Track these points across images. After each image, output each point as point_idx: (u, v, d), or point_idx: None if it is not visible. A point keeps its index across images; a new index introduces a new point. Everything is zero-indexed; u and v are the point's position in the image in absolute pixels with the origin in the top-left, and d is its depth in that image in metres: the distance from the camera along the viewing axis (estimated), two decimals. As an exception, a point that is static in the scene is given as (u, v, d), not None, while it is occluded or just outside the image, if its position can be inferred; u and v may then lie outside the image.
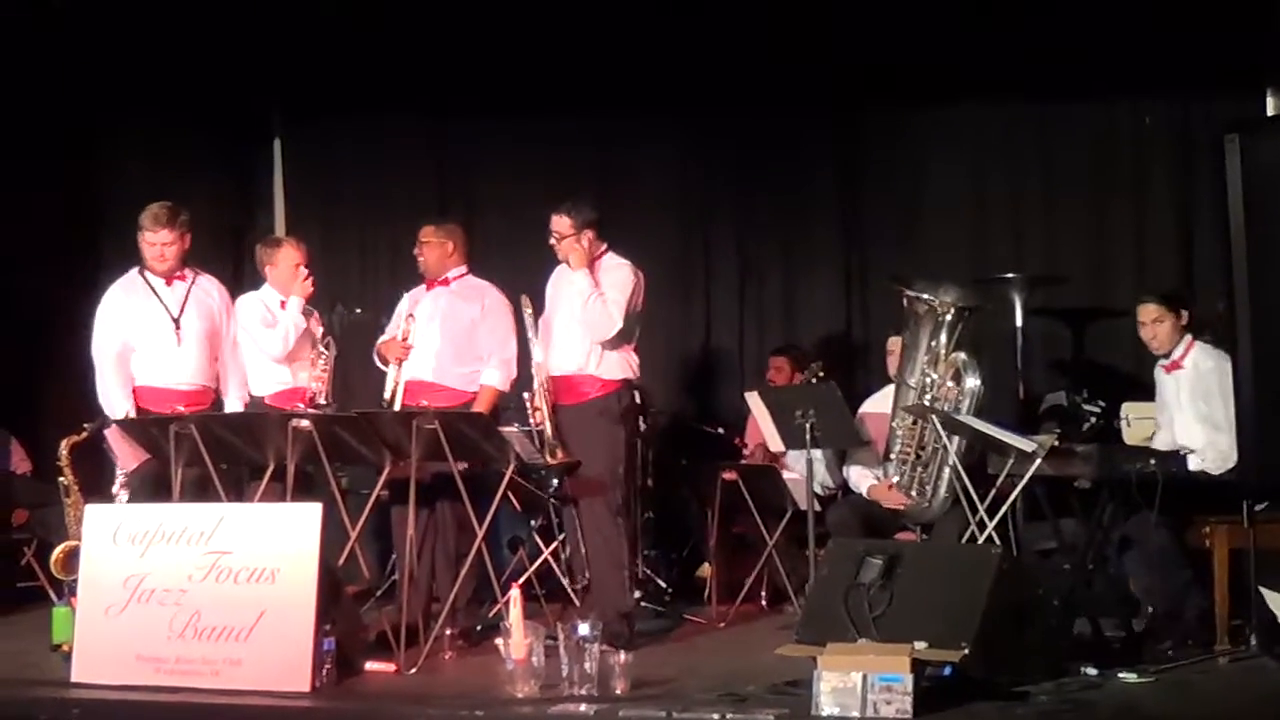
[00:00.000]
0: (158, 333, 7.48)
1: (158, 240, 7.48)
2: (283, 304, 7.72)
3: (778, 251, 10.22)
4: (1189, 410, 7.28)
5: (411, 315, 7.60)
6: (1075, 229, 9.66)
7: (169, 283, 7.55)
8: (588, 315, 7.22)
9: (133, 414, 7.38)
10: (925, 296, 7.53)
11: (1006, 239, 9.80)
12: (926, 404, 7.37)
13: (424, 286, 7.72)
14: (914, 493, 7.46)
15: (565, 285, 7.37)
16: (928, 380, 7.47)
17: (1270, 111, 8.90)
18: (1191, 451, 7.09)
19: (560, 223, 7.35)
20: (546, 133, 10.01)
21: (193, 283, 7.63)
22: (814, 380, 8.57)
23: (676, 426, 9.59)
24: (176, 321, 7.49)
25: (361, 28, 9.25)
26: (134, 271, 7.60)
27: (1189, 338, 7.35)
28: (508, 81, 9.70)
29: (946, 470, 7.30)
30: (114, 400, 7.42)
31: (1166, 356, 7.39)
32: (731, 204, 10.27)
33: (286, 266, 7.77)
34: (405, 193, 10.34)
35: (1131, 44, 8.83)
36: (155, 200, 7.61)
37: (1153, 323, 7.48)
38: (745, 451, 9.10)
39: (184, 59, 9.31)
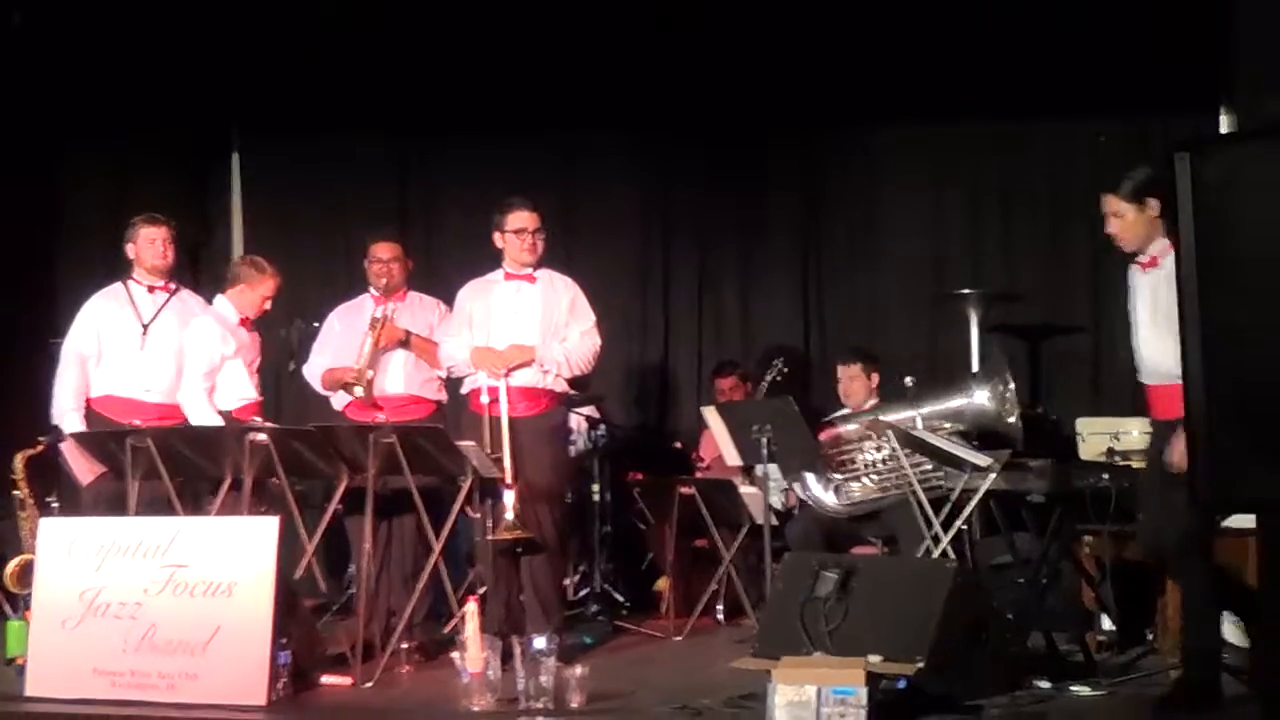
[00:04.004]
0: (123, 338, 7.45)
1: (159, 235, 7.55)
2: (242, 322, 7.66)
3: (737, 267, 10.25)
4: (1162, 321, 6.00)
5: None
6: (1032, 246, 9.75)
7: (150, 290, 7.54)
8: (585, 367, 7.24)
9: (80, 426, 7.35)
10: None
11: (964, 255, 9.87)
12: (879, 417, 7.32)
13: (369, 301, 7.68)
14: (869, 480, 7.34)
15: (523, 295, 7.25)
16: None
17: (1223, 129, 8.97)
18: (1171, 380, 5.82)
19: (536, 219, 7.24)
20: (508, 147, 9.99)
21: (174, 294, 7.63)
22: (777, 378, 8.61)
23: (634, 440, 9.61)
24: (145, 327, 7.46)
25: (321, 42, 9.24)
26: (118, 282, 7.60)
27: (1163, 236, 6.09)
28: (468, 97, 9.70)
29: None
30: (63, 404, 7.37)
31: (1137, 254, 6.15)
32: (693, 221, 10.30)
33: (256, 297, 7.70)
34: (364, 209, 10.29)
35: (1088, 63, 8.92)
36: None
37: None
38: (701, 465, 9.13)
39: (142, 74, 9.27)
